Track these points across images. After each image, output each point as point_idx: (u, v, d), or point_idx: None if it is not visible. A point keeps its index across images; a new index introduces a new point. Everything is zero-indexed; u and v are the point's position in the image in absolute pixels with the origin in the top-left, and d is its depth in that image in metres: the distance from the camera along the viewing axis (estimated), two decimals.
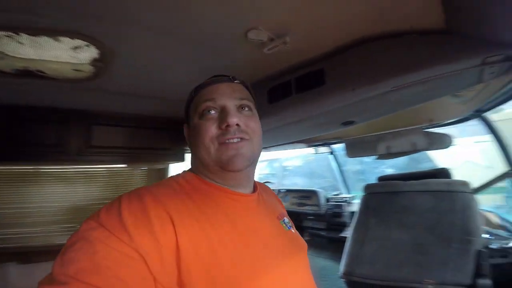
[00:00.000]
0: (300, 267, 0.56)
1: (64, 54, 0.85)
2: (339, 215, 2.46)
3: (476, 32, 0.70)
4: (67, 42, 0.78)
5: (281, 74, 1.09)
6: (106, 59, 0.91)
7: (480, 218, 1.15)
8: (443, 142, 1.74)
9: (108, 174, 1.92)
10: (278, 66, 1.06)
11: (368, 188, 1.48)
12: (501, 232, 1.45)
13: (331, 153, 2.81)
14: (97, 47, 0.82)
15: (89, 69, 0.97)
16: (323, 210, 2.59)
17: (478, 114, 1.47)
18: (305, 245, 0.64)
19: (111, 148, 1.73)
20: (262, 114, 0.79)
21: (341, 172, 2.91)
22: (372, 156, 2.23)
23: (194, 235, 0.44)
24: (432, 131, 1.80)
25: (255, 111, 0.60)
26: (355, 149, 2.20)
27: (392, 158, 2.03)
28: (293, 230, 0.64)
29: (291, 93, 1.05)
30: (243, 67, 1.03)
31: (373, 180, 2.04)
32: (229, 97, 0.56)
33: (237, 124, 0.53)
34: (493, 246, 1.11)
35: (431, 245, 1.13)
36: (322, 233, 2.54)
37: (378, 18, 0.77)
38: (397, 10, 0.73)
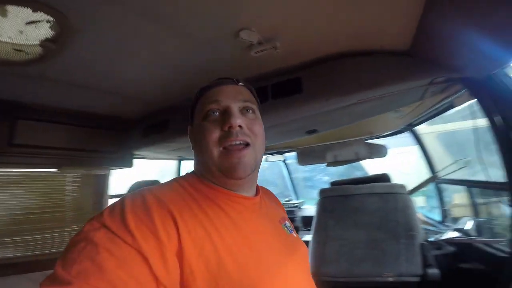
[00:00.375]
0: (302, 271, 0.57)
1: (11, 30, 0.67)
2: (291, 220, 2.62)
3: (430, 56, 0.85)
4: (22, 14, 0.62)
5: (260, 78, 1.10)
6: (61, 40, 0.76)
7: (417, 216, 1.36)
8: (381, 152, 2.03)
9: (31, 180, 1.57)
10: (258, 71, 1.06)
11: (323, 193, 1.60)
12: (431, 228, 1.76)
13: (284, 161, 2.93)
14: (58, 23, 0.68)
15: (35, 50, 0.79)
16: None
17: (409, 127, 1.77)
18: (306, 249, 0.64)
19: (39, 148, 1.43)
20: None
21: (291, 179, 3.05)
22: (320, 164, 2.51)
23: (198, 237, 0.44)
24: (372, 142, 2.07)
25: (258, 114, 0.60)
26: (306, 157, 2.34)
27: (339, 165, 2.25)
28: (294, 234, 0.64)
29: (267, 99, 1.07)
30: (224, 67, 0.99)
31: (318, 186, 2.23)
32: (233, 99, 0.56)
33: (240, 126, 0.53)
34: (429, 239, 1.33)
35: (383, 241, 1.28)
36: None
37: (355, 36, 0.86)
38: (372, 31, 0.82)
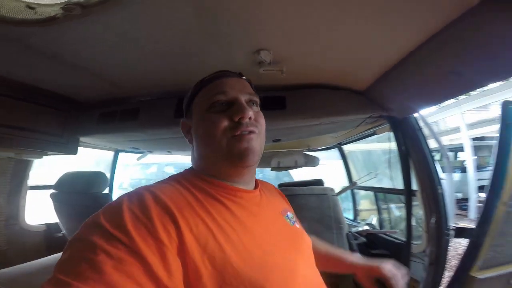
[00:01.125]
0: (307, 262, 0.57)
1: None
2: None
3: (375, 98, 1.23)
4: None
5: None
6: None
7: (342, 213, 1.79)
8: (314, 162, 2.49)
9: None
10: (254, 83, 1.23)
11: None
12: (348, 222, 2.28)
13: None
14: None
15: None
16: None
17: (339, 145, 2.26)
18: (310, 240, 0.65)
19: None
20: None
21: None
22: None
23: (200, 234, 0.43)
24: (308, 153, 2.52)
25: (259, 108, 0.61)
26: None
27: (281, 170, 2.64)
28: (297, 225, 0.64)
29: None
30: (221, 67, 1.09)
31: None
32: (240, 91, 0.56)
33: (249, 118, 0.53)
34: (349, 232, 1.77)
35: (322, 232, 1.62)
36: None
37: (332, 73, 1.15)
38: (345, 72, 1.13)
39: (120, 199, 0.43)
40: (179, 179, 0.54)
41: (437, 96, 1.00)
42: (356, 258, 0.76)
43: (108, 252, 0.35)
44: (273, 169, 2.57)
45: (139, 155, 2.62)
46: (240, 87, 0.57)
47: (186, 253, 0.40)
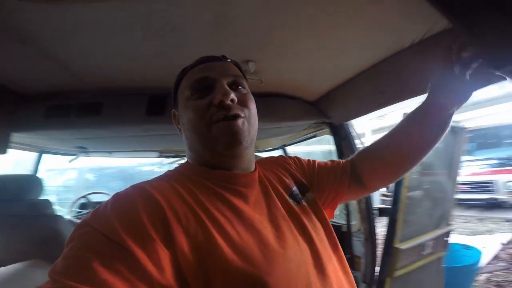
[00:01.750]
0: (319, 244, 0.52)
1: None
2: None
3: (320, 107, 1.50)
4: None
5: None
6: None
7: None
8: None
9: None
10: None
11: None
12: None
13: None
14: None
15: None
16: None
17: (283, 146, 2.54)
18: (323, 215, 0.60)
19: None
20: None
21: None
22: None
23: (190, 225, 0.42)
24: (256, 154, 2.71)
25: (248, 90, 0.57)
26: None
27: None
28: (304, 203, 0.59)
29: None
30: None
31: None
32: (222, 74, 0.53)
33: (232, 100, 0.50)
34: None
35: None
36: None
37: (292, 84, 1.35)
38: (302, 84, 1.34)
39: (111, 199, 0.43)
40: (173, 173, 0.53)
41: (368, 109, 1.32)
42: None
43: (97, 250, 0.35)
44: None
45: (69, 157, 2.31)
46: (222, 69, 0.54)
47: (176, 246, 0.39)
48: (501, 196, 5.45)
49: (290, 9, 0.74)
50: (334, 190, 0.67)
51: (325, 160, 0.74)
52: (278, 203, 0.55)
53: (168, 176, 0.52)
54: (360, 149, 0.73)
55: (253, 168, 0.58)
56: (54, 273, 0.34)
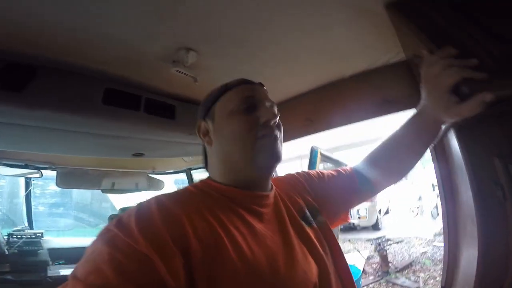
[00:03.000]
0: (329, 266, 0.54)
1: None
2: (32, 253, 2.09)
3: None
4: None
5: (146, 88, 1.08)
6: None
7: None
8: (159, 186, 2.37)
9: None
10: (157, 85, 1.07)
11: None
12: None
13: (29, 178, 2.22)
14: None
15: None
16: (2, 249, 2.03)
17: (189, 170, 2.30)
18: (333, 238, 0.61)
19: None
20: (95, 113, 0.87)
21: (29, 203, 2.36)
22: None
23: (206, 238, 0.43)
24: (152, 176, 2.36)
25: None
26: (71, 179, 2.12)
27: (116, 193, 2.29)
28: (315, 225, 0.60)
29: (139, 109, 1.05)
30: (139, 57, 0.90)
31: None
32: (265, 98, 0.58)
33: (275, 122, 0.55)
34: None
35: None
36: (8, 277, 2.00)
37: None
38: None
39: (133, 207, 0.45)
40: (192, 189, 0.54)
41: (296, 135, 1.29)
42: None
43: (118, 257, 0.36)
44: (104, 191, 2.22)
45: None
46: (263, 93, 0.59)
47: (192, 260, 0.40)
48: (353, 221, 6.81)
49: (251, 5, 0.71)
50: (345, 197, 0.73)
51: (329, 170, 0.77)
52: (289, 224, 0.56)
53: (188, 191, 0.53)
54: (365, 156, 0.76)
55: (270, 186, 0.60)
56: (74, 277, 0.36)
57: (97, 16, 0.71)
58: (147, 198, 0.48)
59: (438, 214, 6.52)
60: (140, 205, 0.46)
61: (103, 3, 0.67)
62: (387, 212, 8.33)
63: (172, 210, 0.44)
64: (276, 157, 0.55)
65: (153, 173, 2.39)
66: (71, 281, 0.36)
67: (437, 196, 6.64)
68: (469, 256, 0.80)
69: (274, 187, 0.61)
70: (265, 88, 0.63)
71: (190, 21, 0.76)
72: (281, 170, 1.20)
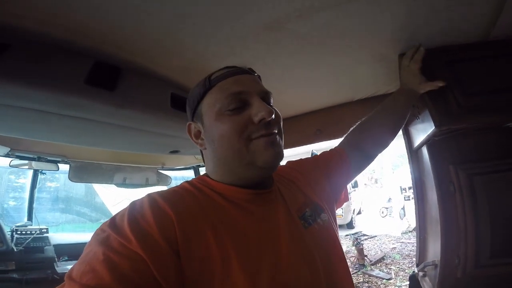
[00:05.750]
0: (327, 270, 0.51)
1: None
2: (39, 250, 2.05)
3: None
4: None
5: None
6: None
7: None
8: (166, 181, 2.46)
9: None
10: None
11: None
12: None
13: (41, 172, 2.19)
14: None
15: None
16: (9, 246, 1.95)
17: (197, 167, 2.43)
18: (336, 238, 0.59)
19: None
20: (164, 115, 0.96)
21: (32, 197, 2.32)
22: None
23: (198, 242, 0.43)
24: (161, 172, 2.44)
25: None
26: (84, 173, 2.13)
27: (126, 187, 2.34)
28: (316, 226, 0.56)
29: None
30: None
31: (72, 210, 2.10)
32: (256, 89, 0.51)
33: (271, 119, 0.49)
34: None
35: None
36: (14, 275, 1.94)
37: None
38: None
39: (127, 207, 0.45)
40: (188, 185, 0.52)
41: (307, 142, 1.47)
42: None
43: (112, 257, 0.37)
44: (117, 186, 2.27)
45: None
46: (254, 84, 0.52)
47: (182, 259, 0.41)
48: None
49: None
50: (341, 171, 0.72)
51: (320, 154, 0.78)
52: (284, 224, 0.53)
53: (183, 188, 0.52)
54: (356, 126, 0.85)
55: (271, 184, 0.57)
56: (70, 277, 0.36)
57: (180, 30, 0.76)
58: (140, 197, 0.47)
59: (405, 215, 7.15)
60: (133, 204, 0.45)
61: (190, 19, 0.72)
62: (359, 213, 8.93)
63: (164, 210, 0.44)
64: (276, 156, 0.50)
65: (162, 168, 2.46)
66: (67, 281, 0.36)
67: (404, 199, 7.42)
68: (435, 247, 1.02)
69: (275, 183, 0.58)
70: (256, 74, 0.56)
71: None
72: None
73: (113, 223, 0.42)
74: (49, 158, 2.00)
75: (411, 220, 6.45)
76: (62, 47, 0.79)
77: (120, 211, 0.44)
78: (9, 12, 0.64)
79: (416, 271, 1.22)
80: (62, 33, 0.74)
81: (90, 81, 0.82)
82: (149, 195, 0.47)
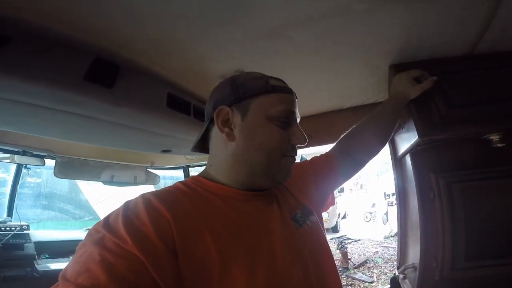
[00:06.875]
0: (317, 270, 0.53)
1: None
2: (18, 247, 1.99)
3: None
4: None
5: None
6: None
7: None
8: (155, 180, 2.45)
9: None
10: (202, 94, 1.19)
11: None
12: None
13: (24, 166, 2.10)
14: None
15: None
16: None
17: (187, 166, 2.41)
18: (325, 239, 0.62)
19: None
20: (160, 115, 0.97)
21: (14, 193, 2.24)
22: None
23: (194, 242, 0.43)
24: (150, 170, 2.42)
25: None
26: (71, 170, 2.08)
27: (114, 185, 2.30)
28: (306, 227, 0.58)
29: (190, 115, 1.15)
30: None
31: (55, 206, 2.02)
32: (297, 114, 0.57)
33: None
34: None
35: None
36: None
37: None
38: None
39: (121, 207, 0.44)
40: (182, 186, 0.53)
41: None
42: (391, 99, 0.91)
43: (107, 258, 0.36)
44: (104, 184, 2.23)
45: None
46: (297, 109, 0.58)
47: (179, 259, 0.41)
48: None
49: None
50: (329, 176, 0.75)
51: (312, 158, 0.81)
52: (278, 225, 0.55)
53: (178, 188, 0.52)
54: (346, 133, 0.86)
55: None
56: (64, 278, 0.36)
57: (180, 32, 0.77)
58: (134, 197, 0.47)
59: (387, 220, 7.34)
60: (127, 204, 0.45)
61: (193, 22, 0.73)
62: (344, 217, 9.12)
63: (159, 211, 0.44)
64: (289, 176, 0.57)
65: (152, 167, 2.45)
66: (61, 282, 0.36)
67: (388, 204, 7.62)
68: (415, 251, 1.07)
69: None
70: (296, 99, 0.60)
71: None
72: None
73: (107, 223, 0.41)
74: (34, 153, 1.94)
75: (394, 225, 6.64)
76: (62, 42, 0.79)
77: (113, 212, 0.44)
78: (11, 5, 0.64)
79: (397, 273, 1.28)
80: (63, 27, 0.74)
81: (89, 78, 0.82)
82: (143, 196, 0.47)
